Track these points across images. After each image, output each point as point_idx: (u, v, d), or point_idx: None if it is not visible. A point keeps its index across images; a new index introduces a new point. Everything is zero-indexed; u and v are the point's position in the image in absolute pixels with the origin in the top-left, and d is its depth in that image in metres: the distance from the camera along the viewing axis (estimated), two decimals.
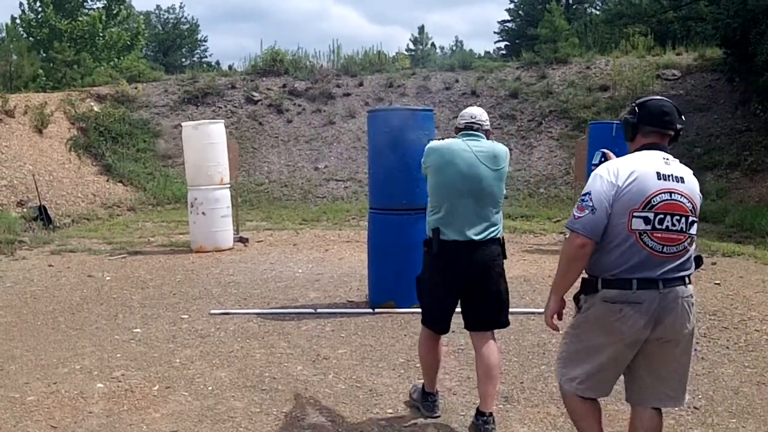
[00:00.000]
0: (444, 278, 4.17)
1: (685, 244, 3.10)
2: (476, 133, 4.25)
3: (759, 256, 9.78)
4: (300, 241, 12.02)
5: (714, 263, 9.33)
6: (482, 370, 4.12)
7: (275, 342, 6.05)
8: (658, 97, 3.32)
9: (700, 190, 3.21)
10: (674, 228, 3.06)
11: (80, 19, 29.21)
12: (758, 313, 6.79)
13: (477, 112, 4.35)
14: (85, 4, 31.14)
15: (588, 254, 3.13)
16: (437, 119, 14.26)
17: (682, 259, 3.11)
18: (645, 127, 3.23)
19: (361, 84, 21.09)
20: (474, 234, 4.09)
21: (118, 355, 5.69)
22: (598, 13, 38.68)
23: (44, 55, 28.30)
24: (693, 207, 3.11)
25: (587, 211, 3.08)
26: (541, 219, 14.36)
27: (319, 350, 5.81)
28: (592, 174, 3.19)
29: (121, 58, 29.31)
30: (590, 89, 19.39)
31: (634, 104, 3.34)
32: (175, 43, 46.78)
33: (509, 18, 45.85)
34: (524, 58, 22.02)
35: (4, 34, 32.20)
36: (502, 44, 46.94)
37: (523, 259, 9.95)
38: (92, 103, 19.64)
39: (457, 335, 6.14)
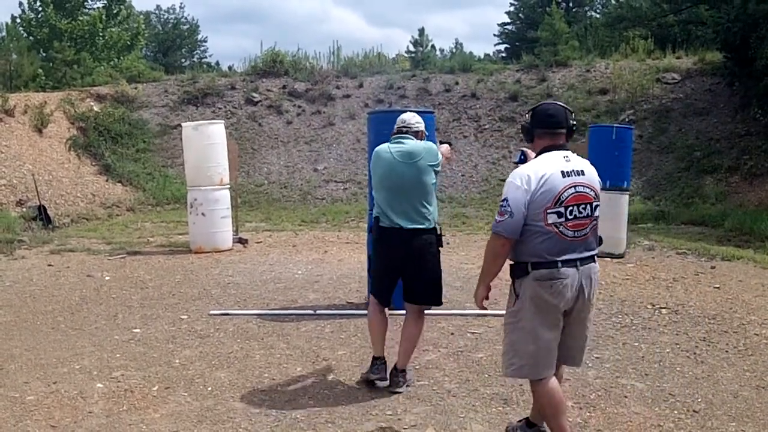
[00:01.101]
0: (382, 258, 5.00)
1: (592, 225, 3.67)
2: (404, 135, 4.97)
3: (758, 260, 9.78)
4: (299, 242, 12.02)
5: (713, 267, 9.34)
6: (404, 335, 4.94)
7: (275, 343, 6.05)
8: (549, 102, 3.88)
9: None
10: (582, 215, 3.60)
11: (80, 18, 29.17)
12: (757, 317, 6.80)
13: (407, 117, 5.10)
14: (85, 3, 31.09)
15: (508, 250, 3.63)
16: (437, 121, 14.28)
17: (591, 240, 3.68)
18: (538, 130, 3.76)
19: (360, 85, 21.09)
20: (403, 222, 4.79)
21: (118, 355, 5.69)
22: (598, 16, 38.74)
23: (44, 54, 28.26)
24: (595, 194, 3.68)
25: (507, 216, 3.55)
26: None
27: (319, 351, 5.81)
28: (507, 182, 3.65)
29: (121, 58, 29.27)
30: (590, 92, 19.41)
31: (528, 111, 3.89)
32: (175, 43, 46.75)
33: (509, 21, 45.86)
34: (524, 60, 22.03)
35: (4, 34, 32.19)
36: (502, 47, 46.98)
37: None
38: (92, 103, 19.63)
39: (456, 338, 6.16)
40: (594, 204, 3.66)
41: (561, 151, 3.68)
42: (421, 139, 5.05)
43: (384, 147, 4.98)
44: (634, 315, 6.95)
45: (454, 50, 50.89)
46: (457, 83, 20.61)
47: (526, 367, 3.67)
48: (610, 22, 27.99)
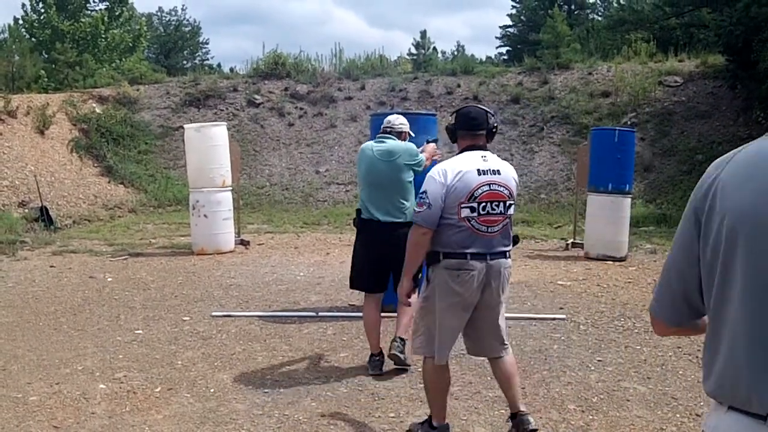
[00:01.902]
0: (362, 247, 5.44)
1: (505, 223, 3.90)
2: (386, 135, 5.39)
3: None
4: (301, 244, 12.03)
5: None
6: (398, 320, 5.33)
7: (277, 345, 6.06)
8: (472, 105, 4.24)
9: None
10: (494, 212, 3.83)
11: (83, 20, 29.19)
12: None
13: (392, 118, 5.54)
14: (87, 5, 31.15)
15: (428, 240, 3.87)
16: (439, 124, 14.28)
17: (503, 236, 3.91)
18: (460, 131, 4.04)
19: (362, 88, 21.09)
20: (380, 215, 5.21)
21: (120, 356, 5.70)
22: (600, 19, 38.69)
23: (46, 56, 28.27)
24: (510, 193, 3.91)
25: (425, 207, 3.82)
26: (542, 225, 14.37)
27: (321, 353, 5.82)
28: (427, 176, 3.93)
29: (123, 59, 29.27)
30: (592, 95, 19.40)
31: (452, 113, 4.18)
32: (176, 45, 46.72)
33: (511, 23, 45.85)
34: (526, 63, 22.00)
35: (6, 35, 32.23)
36: (503, 49, 46.96)
37: (525, 265, 9.96)
38: (94, 105, 19.63)
39: (458, 341, 6.14)
40: (507, 203, 3.89)
41: (480, 151, 3.94)
42: (404, 140, 5.43)
43: (368, 144, 5.48)
44: (636, 318, 6.95)
45: (456, 53, 50.96)
46: (459, 86, 20.61)
47: (427, 346, 3.98)
48: (612, 24, 27.95)
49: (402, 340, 5.24)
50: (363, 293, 5.63)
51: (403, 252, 4.88)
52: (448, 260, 3.83)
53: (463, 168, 3.83)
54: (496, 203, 3.83)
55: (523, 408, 4.02)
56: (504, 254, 3.91)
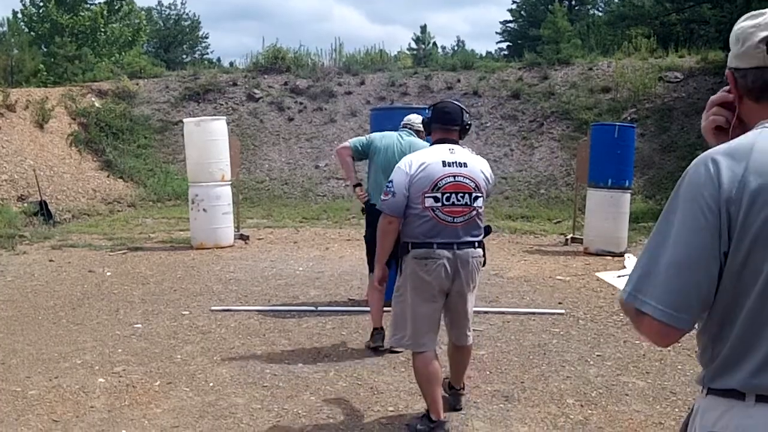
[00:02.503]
0: (372, 234, 5.32)
1: (472, 215, 4.00)
2: (407, 131, 5.90)
3: None
4: (300, 239, 12.02)
5: None
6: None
7: (276, 339, 6.06)
8: (448, 101, 4.38)
9: None
10: (459, 203, 3.94)
11: (82, 14, 29.10)
12: None
13: (413, 117, 5.97)
14: None
15: (396, 228, 4.03)
16: None
17: (471, 227, 4.02)
18: (434, 125, 4.21)
19: (362, 83, 21.06)
20: None
21: (119, 350, 5.70)
22: (600, 14, 38.65)
23: (45, 49, 28.20)
24: (476, 186, 4.00)
25: (390, 196, 3.96)
26: (541, 220, 14.37)
27: (320, 348, 5.83)
28: (395, 167, 4.11)
29: (123, 53, 29.21)
30: (592, 91, 19.38)
31: (430, 107, 4.39)
32: (176, 39, 46.62)
33: (511, 18, 45.79)
34: (526, 58, 21.96)
35: (5, 29, 32.17)
36: (504, 45, 46.91)
37: (524, 260, 9.96)
38: (93, 99, 19.61)
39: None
40: (474, 195, 3.99)
41: (448, 144, 4.10)
42: (421, 138, 5.80)
43: (392, 134, 5.91)
44: None
45: (456, 48, 50.88)
46: (459, 81, 20.58)
47: (405, 338, 4.11)
48: (612, 20, 27.91)
49: (382, 331, 5.65)
50: (363, 286, 5.79)
51: None
52: (416, 250, 3.98)
53: (427, 159, 3.98)
54: (461, 194, 3.95)
55: (459, 386, 4.49)
56: (472, 244, 4.05)
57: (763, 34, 1.60)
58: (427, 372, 4.07)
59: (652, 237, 1.63)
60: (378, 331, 5.69)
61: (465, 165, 4.01)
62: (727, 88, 1.73)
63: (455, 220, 3.95)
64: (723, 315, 1.58)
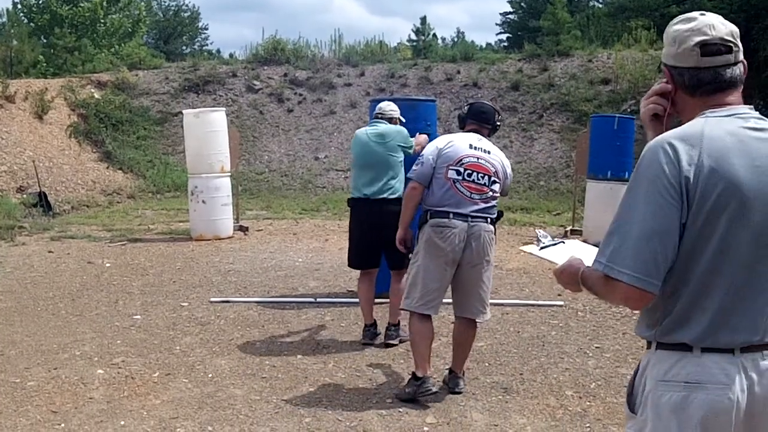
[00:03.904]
0: (356, 225, 5.84)
1: (488, 195, 4.42)
2: (378, 120, 5.77)
3: None
4: (300, 230, 12.02)
5: None
6: (390, 294, 5.60)
7: (275, 330, 6.07)
8: (485, 102, 5.10)
9: None
10: (479, 182, 4.40)
11: (81, 5, 28.98)
12: None
13: (383, 105, 5.89)
14: None
15: (420, 194, 4.50)
16: (439, 110, 14.23)
17: (486, 206, 4.42)
18: (470, 120, 4.71)
19: (362, 74, 21.02)
20: (370, 192, 5.56)
21: (119, 342, 5.70)
22: (600, 6, 38.47)
23: (45, 41, 28.11)
24: (495, 171, 4.46)
25: (420, 165, 4.47)
26: (541, 212, 14.36)
27: (319, 339, 5.83)
28: (428, 144, 4.77)
29: (122, 44, 29.13)
30: (592, 82, 19.34)
31: (467, 104, 4.94)
32: (176, 30, 46.45)
33: (511, 10, 45.60)
34: (526, 50, 21.90)
35: (5, 20, 32.02)
36: (503, 36, 46.74)
37: (523, 252, 9.95)
38: (93, 90, 19.57)
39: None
40: (492, 179, 4.44)
41: (476, 135, 4.61)
42: (394, 125, 5.80)
43: (362, 130, 5.88)
44: None
45: (455, 39, 50.68)
46: (458, 72, 20.53)
47: (414, 300, 4.46)
48: (612, 12, 27.77)
49: (395, 326, 5.65)
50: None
51: (393, 229, 5.08)
52: (434, 219, 4.37)
53: (455, 140, 4.53)
54: (481, 174, 4.41)
55: (460, 372, 4.62)
56: (485, 219, 4.41)
57: (697, 38, 1.86)
58: (423, 329, 4.47)
59: (619, 214, 1.84)
60: (367, 328, 5.74)
61: (488, 152, 4.50)
62: (664, 80, 2.01)
63: (472, 196, 4.37)
64: (677, 277, 1.83)
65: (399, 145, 5.62)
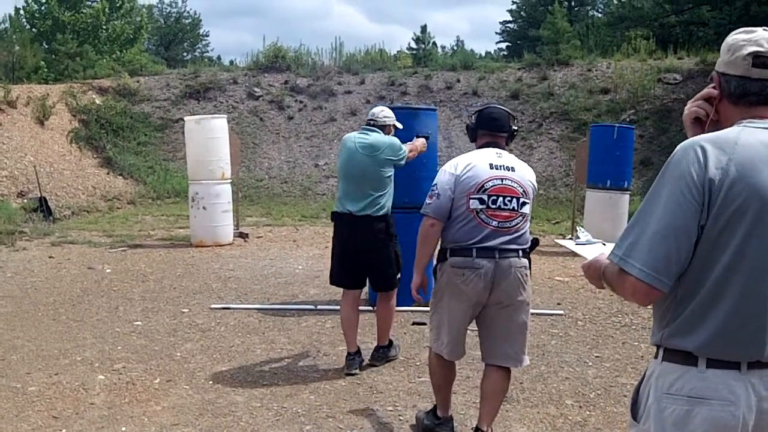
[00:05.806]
0: (338, 243, 5.30)
1: (518, 220, 3.75)
2: (370, 128, 5.23)
3: None
4: (300, 237, 12.04)
5: None
6: (376, 316, 5.41)
7: (275, 337, 6.08)
8: (494, 106, 4.11)
9: None
10: (506, 207, 3.72)
11: (83, 11, 29.05)
12: None
13: (376, 111, 5.38)
14: None
15: (438, 232, 3.79)
16: (438, 119, 14.29)
17: (516, 234, 3.75)
18: (480, 130, 3.97)
19: (362, 82, 21.08)
20: (352, 208, 5.08)
21: (119, 348, 5.71)
22: (600, 15, 38.68)
23: (47, 46, 28.14)
24: (524, 191, 3.78)
25: (434, 198, 3.75)
26: (540, 220, 14.36)
27: (320, 346, 5.84)
28: (440, 169, 3.89)
29: (124, 51, 29.19)
30: (591, 92, 19.40)
31: (474, 112, 4.09)
32: (177, 37, 46.57)
33: (511, 19, 45.75)
34: (526, 59, 21.99)
35: (7, 25, 32.08)
36: (503, 45, 46.88)
37: (558, 244, 9.99)
38: (94, 96, 19.61)
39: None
40: (522, 200, 3.77)
41: (495, 148, 3.90)
42: (388, 133, 5.27)
43: (350, 136, 5.35)
44: (633, 314, 6.98)
45: (455, 48, 50.80)
46: (458, 81, 20.59)
47: (444, 345, 3.88)
48: (612, 21, 27.97)
49: (384, 348, 5.41)
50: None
51: (377, 247, 4.91)
52: (454, 258, 3.73)
53: (473, 161, 3.78)
54: (509, 198, 3.72)
55: (487, 430, 3.87)
56: (516, 252, 3.74)
57: (752, 48, 1.87)
58: (449, 374, 4.05)
59: (641, 208, 1.86)
60: (353, 357, 5.21)
61: (512, 169, 3.80)
62: (712, 85, 2.00)
63: (500, 225, 3.70)
64: (691, 280, 1.84)
65: (388, 159, 5.12)
